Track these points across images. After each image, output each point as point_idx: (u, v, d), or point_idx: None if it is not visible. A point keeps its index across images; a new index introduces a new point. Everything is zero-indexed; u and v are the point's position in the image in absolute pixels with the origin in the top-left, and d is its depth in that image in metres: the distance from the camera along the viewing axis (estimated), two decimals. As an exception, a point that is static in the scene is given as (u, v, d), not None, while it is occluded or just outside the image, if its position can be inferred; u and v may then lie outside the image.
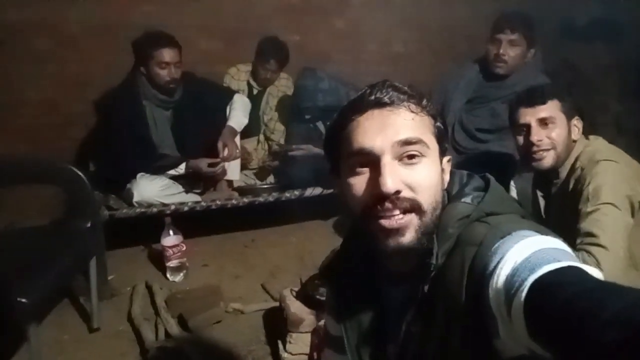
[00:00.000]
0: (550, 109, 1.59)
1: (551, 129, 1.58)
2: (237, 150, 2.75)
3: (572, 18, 3.89)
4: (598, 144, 1.62)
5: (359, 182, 0.77)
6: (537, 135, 1.58)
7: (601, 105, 3.53)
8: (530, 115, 1.60)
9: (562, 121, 1.58)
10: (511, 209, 0.81)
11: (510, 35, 2.34)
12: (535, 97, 1.62)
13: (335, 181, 0.85)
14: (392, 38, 3.69)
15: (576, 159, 1.59)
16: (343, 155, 0.80)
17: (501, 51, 2.36)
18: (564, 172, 1.62)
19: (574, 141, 1.61)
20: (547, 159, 1.60)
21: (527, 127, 1.60)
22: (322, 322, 1.79)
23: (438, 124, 0.81)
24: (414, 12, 3.65)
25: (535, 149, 1.59)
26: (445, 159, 0.83)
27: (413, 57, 3.69)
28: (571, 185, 1.57)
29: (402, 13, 3.62)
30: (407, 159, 0.75)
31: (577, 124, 1.61)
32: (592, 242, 1.39)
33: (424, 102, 0.80)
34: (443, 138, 0.82)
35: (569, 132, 1.59)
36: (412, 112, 0.77)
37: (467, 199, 0.80)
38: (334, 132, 0.83)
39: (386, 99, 0.77)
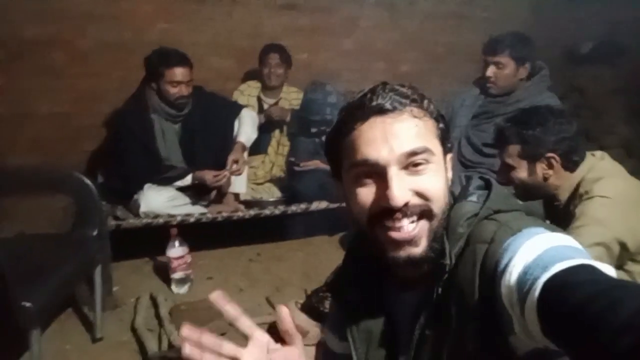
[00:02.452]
0: (508, 154, 1.62)
1: (513, 171, 1.61)
2: (245, 166, 2.79)
3: (577, 42, 3.93)
4: (602, 167, 1.56)
5: (365, 193, 0.75)
6: (500, 176, 1.65)
7: (609, 128, 3.53)
8: (500, 155, 1.66)
9: (522, 165, 1.59)
10: (517, 206, 0.81)
11: (494, 57, 2.41)
12: (497, 140, 1.68)
13: (338, 186, 0.84)
14: (399, 58, 3.75)
15: (579, 184, 1.55)
16: (346, 163, 0.79)
17: (488, 73, 2.43)
18: (564, 195, 1.59)
19: (546, 179, 1.58)
20: (520, 194, 1.62)
21: None
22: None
23: (441, 125, 0.80)
24: (422, 35, 3.73)
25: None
26: (448, 157, 0.82)
27: (420, 77, 3.72)
28: (570, 208, 1.55)
29: (409, 35, 3.69)
30: (414, 167, 0.74)
31: (550, 163, 1.56)
32: None
33: (426, 103, 0.78)
34: (446, 138, 0.81)
35: (536, 173, 1.58)
36: (415, 117, 0.75)
37: (473, 198, 0.80)
38: (335, 138, 0.81)
39: (388, 106, 0.74)
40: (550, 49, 3.43)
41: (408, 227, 0.74)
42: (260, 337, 0.70)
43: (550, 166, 1.56)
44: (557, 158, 1.54)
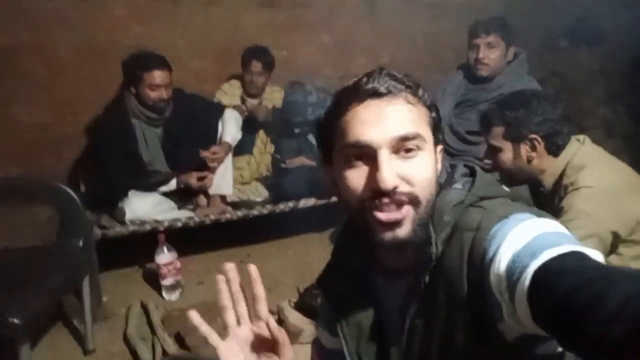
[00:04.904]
0: (493, 136, 1.62)
1: (500, 154, 1.61)
2: (222, 164, 2.73)
3: (556, 26, 3.96)
4: (585, 153, 1.55)
5: (355, 175, 0.75)
6: (486, 157, 1.68)
7: (589, 110, 3.57)
8: (486, 138, 1.66)
9: (507, 146, 1.59)
10: (502, 192, 0.82)
11: (486, 38, 2.42)
12: (482, 125, 1.67)
13: (327, 171, 0.84)
14: (379, 50, 3.73)
15: (564, 171, 1.55)
16: (338, 145, 0.78)
17: (480, 55, 2.43)
18: (549, 181, 1.59)
19: (529, 161, 1.57)
20: (506, 179, 1.62)
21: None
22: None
23: (433, 114, 0.80)
24: (401, 25, 3.70)
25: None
26: (438, 148, 0.82)
27: (400, 68, 3.62)
28: (556, 201, 1.55)
29: (388, 26, 3.67)
30: (405, 152, 0.74)
31: (533, 144, 1.55)
32: None
33: (420, 92, 0.78)
34: (437, 128, 0.81)
35: (520, 155, 1.57)
36: (409, 103, 0.76)
37: (458, 185, 0.80)
38: (327, 120, 0.81)
39: (383, 89, 0.74)
40: (529, 34, 3.46)
41: (394, 210, 0.74)
42: (239, 332, 0.76)
43: (533, 148, 1.56)
44: (540, 140, 1.54)
